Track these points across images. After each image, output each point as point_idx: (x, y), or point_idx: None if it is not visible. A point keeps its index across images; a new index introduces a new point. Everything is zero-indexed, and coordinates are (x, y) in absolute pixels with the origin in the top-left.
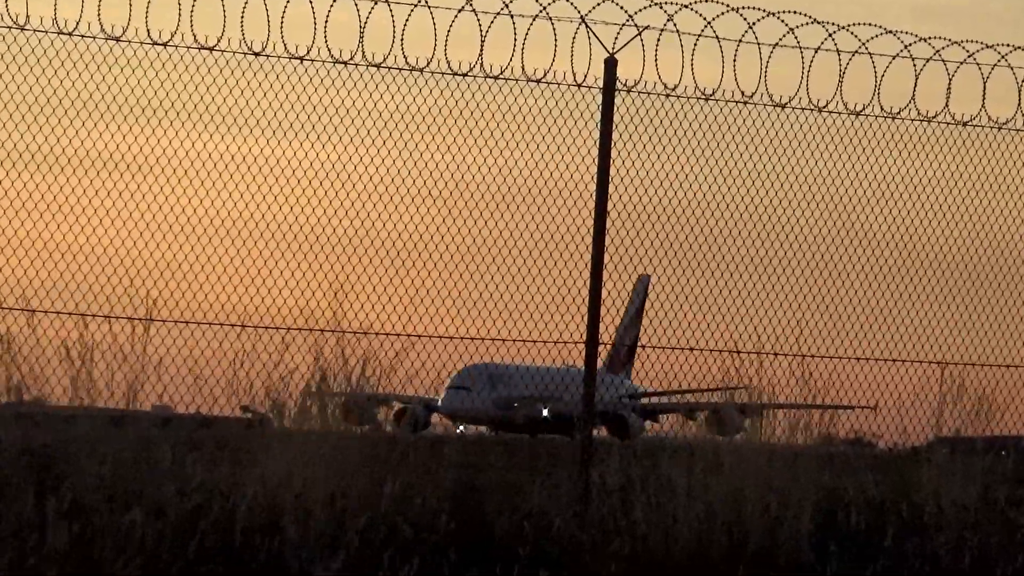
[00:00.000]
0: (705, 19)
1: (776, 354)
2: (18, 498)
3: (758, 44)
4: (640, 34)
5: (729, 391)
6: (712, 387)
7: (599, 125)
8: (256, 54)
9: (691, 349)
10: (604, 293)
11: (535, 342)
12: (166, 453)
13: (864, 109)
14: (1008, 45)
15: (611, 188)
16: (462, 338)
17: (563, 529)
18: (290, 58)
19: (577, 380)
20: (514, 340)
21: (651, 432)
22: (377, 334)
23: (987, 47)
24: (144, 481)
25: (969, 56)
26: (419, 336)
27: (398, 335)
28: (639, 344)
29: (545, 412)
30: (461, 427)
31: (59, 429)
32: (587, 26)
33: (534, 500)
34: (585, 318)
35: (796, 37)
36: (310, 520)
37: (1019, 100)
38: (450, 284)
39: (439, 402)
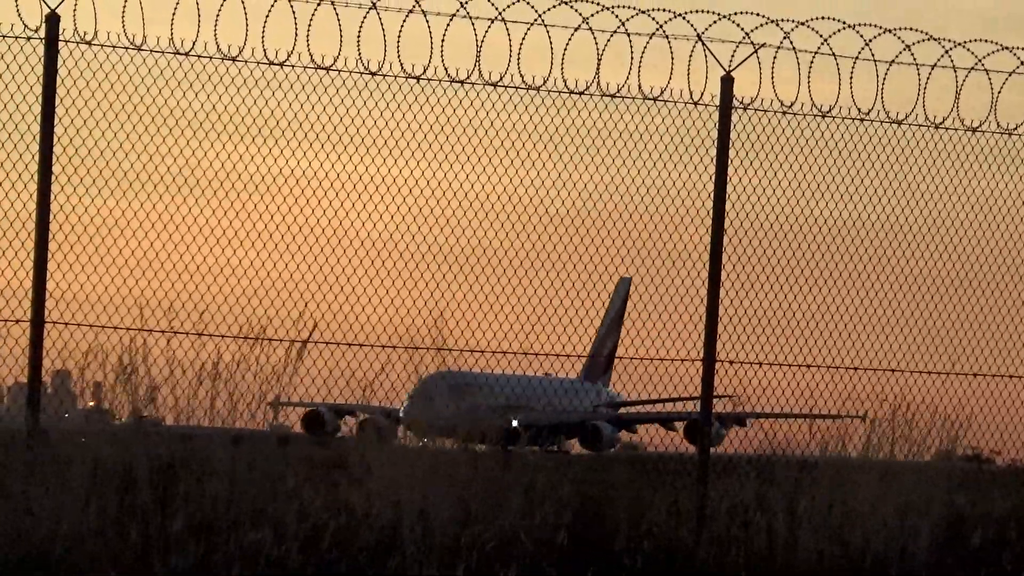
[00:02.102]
0: (821, 36)
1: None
2: (143, 516)
3: (874, 61)
4: (756, 52)
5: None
6: (696, 396)
7: (715, 143)
8: (372, 73)
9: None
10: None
11: (651, 359)
12: (287, 471)
13: (980, 125)
14: None
15: (727, 205)
16: (579, 356)
17: (681, 544)
18: (407, 77)
19: (549, 389)
20: (631, 358)
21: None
22: (494, 352)
23: None
24: (266, 499)
25: None
26: (535, 354)
27: (503, 353)
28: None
29: (515, 422)
30: (424, 439)
31: (182, 447)
32: (703, 44)
33: (653, 515)
34: (702, 336)
35: (912, 54)
36: (431, 535)
37: None
38: (567, 302)
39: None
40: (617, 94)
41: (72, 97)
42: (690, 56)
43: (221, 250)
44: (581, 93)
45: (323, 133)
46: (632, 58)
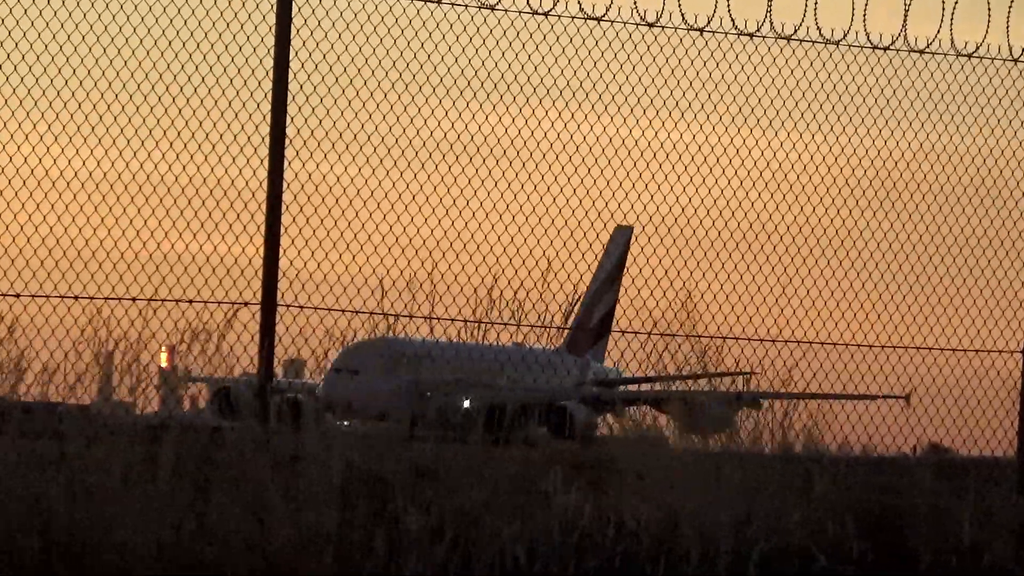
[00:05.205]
0: None
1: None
2: (392, 517)
3: None
4: None
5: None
6: (714, 373)
7: None
8: (650, 25)
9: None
10: None
11: (964, 351)
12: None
13: None
14: None
15: None
16: (896, 347)
17: (996, 562)
18: (688, 29)
19: (516, 362)
20: (941, 349)
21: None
22: (786, 342)
23: None
24: (522, 502)
25: None
26: (845, 345)
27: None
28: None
29: (467, 403)
30: (347, 422)
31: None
32: None
33: (963, 529)
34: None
35: None
36: (710, 545)
37: None
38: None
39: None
40: (927, 50)
41: (308, 50)
42: (1009, 8)
43: (478, 224)
44: (886, 48)
45: (593, 92)
46: (943, 10)
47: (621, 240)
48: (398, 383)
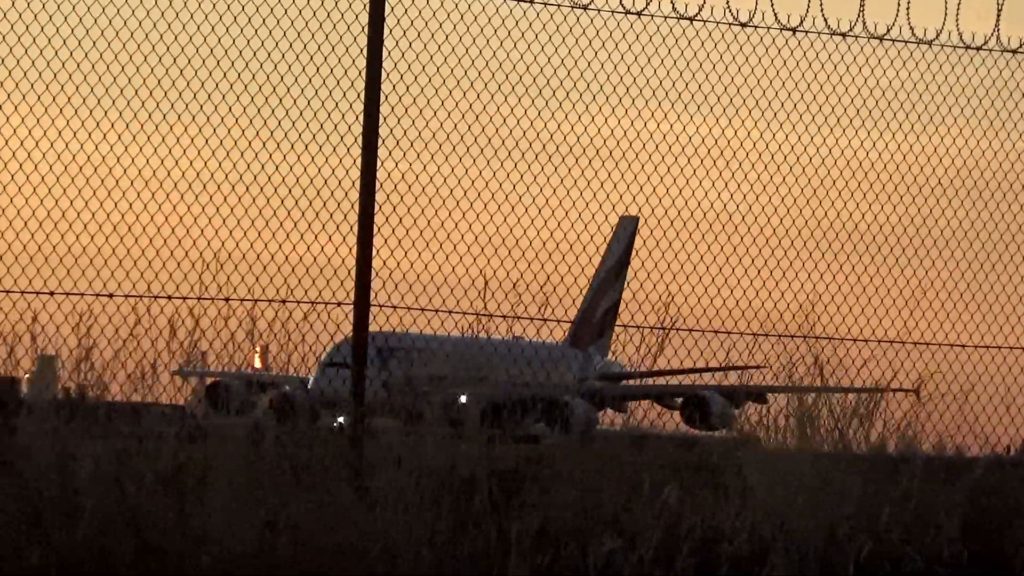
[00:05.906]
0: None
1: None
2: (481, 524)
3: None
4: None
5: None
6: (721, 367)
7: None
8: (743, 25)
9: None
10: None
11: None
12: (643, 475)
13: None
14: None
15: None
16: (990, 346)
17: None
18: (780, 29)
19: (516, 356)
20: None
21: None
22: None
23: None
24: (618, 506)
25: None
26: (933, 344)
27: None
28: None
29: (463, 398)
30: (340, 419)
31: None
32: None
33: None
34: None
35: None
36: (805, 545)
37: None
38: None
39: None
40: (1019, 49)
41: (401, 49)
42: None
43: (571, 224)
44: (979, 48)
45: (685, 92)
46: None
47: (626, 230)
48: (391, 378)
